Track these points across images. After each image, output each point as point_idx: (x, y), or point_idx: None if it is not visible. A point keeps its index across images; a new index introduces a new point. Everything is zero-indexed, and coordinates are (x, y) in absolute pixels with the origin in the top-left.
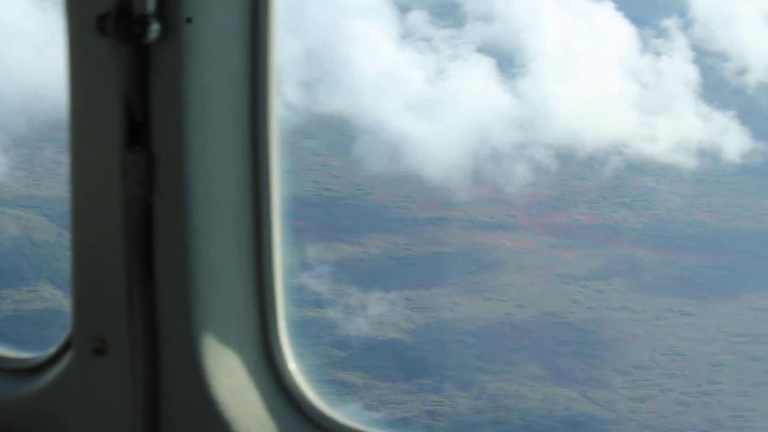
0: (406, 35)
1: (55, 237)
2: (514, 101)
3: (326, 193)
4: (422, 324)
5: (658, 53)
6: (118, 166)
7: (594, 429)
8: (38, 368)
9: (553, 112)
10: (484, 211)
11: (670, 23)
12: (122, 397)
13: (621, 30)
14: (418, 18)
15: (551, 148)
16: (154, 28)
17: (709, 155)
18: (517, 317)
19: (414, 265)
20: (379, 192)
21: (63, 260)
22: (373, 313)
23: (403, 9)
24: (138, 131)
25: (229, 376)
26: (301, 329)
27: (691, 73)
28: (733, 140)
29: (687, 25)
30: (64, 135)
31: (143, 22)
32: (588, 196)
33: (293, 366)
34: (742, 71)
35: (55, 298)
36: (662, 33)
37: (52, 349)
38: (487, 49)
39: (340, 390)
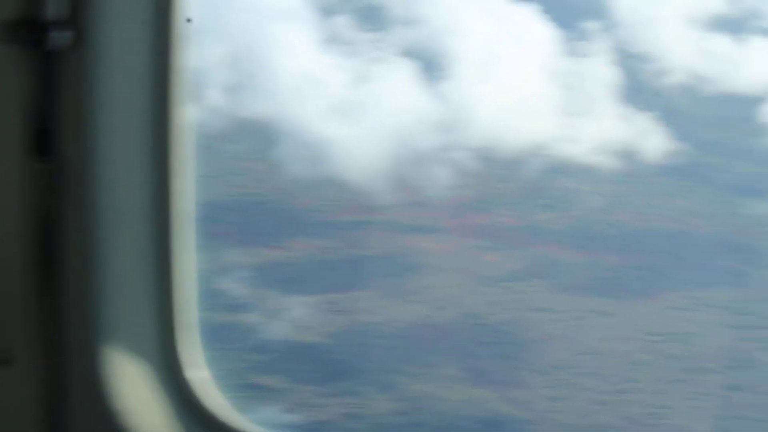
0: (330, 39)
1: None
2: (436, 104)
3: (248, 197)
4: (343, 327)
5: (580, 55)
6: (19, 175)
7: (512, 429)
8: None
9: (475, 115)
10: (406, 214)
11: (593, 26)
12: (23, 408)
13: (543, 33)
14: (341, 22)
15: (473, 151)
16: (62, 35)
17: (630, 156)
18: (437, 319)
19: (335, 269)
20: (301, 196)
21: None
22: (293, 317)
23: (327, 13)
24: (47, 140)
25: (132, 386)
26: (218, 334)
27: (613, 75)
28: (654, 141)
29: (609, 28)
30: None
31: (50, 29)
32: (510, 197)
33: (200, 373)
34: (664, 73)
35: None
36: (585, 35)
37: None
38: (409, 52)
39: (258, 394)
